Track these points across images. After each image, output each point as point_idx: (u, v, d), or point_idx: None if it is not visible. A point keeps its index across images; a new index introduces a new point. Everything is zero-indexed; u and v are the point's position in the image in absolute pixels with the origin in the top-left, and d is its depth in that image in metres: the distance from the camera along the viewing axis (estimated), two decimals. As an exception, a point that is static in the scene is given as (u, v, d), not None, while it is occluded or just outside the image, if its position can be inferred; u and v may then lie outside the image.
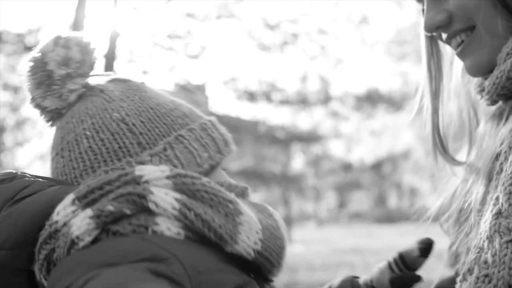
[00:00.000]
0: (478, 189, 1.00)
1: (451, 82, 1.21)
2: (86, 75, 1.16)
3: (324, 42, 13.44)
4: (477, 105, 1.19)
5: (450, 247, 1.15)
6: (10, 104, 15.04)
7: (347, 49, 17.85)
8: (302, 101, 14.94)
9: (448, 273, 1.13)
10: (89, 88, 1.16)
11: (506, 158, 0.91)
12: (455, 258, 1.11)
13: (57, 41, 1.14)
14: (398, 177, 32.57)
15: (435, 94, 1.20)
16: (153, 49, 12.97)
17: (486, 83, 1.04)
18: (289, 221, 25.02)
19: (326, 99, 14.99)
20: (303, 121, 18.31)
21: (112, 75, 1.23)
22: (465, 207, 1.06)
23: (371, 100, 15.32)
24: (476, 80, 1.12)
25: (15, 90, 14.47)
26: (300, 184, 21.37)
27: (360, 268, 12.16)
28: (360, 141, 22.95)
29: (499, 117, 1.08)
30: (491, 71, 1.04)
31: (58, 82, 1.11)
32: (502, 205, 0.86)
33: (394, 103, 14.30)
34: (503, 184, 0.87)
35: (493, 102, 1.06)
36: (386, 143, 24.79)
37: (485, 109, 1.15)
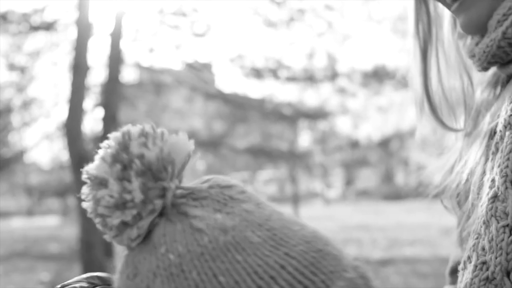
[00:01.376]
0: (475, 169, 0.95)
1: (441, 45, 1.14)
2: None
3: (331, 18, 13.37)
4: (471, 71, 1.13)
5: (458, 225, 1.12)
6: (17, 84, 15.04)
7: (354, 26, 17.76)
8: (309, 78, 14.89)
9: (460, 253, 1.10)
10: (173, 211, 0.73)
11: (501, 138, 0.86)
12: (461, 240, 1.07)
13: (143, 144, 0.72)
14: (405, 154, 32.50)
15: (424, 56, 1.14)
16: (159, 27, 12.93)
17: (476, 50, 0.99)
18: (296, 198, 25.09)
19: (333, 76, 14.93)
20: (310, 98, 18.27)
21: (208, 181, 0.76)
22: (461, 187, 1.02)
23: (378, 76, 15.22)
24: (467, 45, 1.06)
25: (22, 70, 14.47)
26: (307, 162, 21.33)
27: (367, 245, 12.20)
28: (367, 118, 22.88)
29: (494, 85, 1.04)
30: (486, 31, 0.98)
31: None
32: (498, 188, 0.82)
33: (401, 80, 14.22)
34: (499, 166, 0.83)
35: (484, 69, 1.02)
36: (393, 119, 24.71)
37: (481, 76, 1.10)
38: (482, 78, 1.10)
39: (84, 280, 0.84)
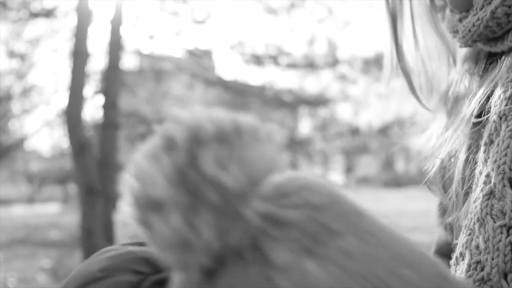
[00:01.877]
0: (459, 155, 0.90)
1: (418, 21, 1.07)
2: None
3: (331, 4, 13.34)
4: (455, 47, 1.05)
5: (440, 207, 1.09)
6: (17, 71, 15.02)
7: (355, 12, 17.71)
8: (310, 65, 14.88)
9: (444, 236, 1.07)
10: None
11: (496, 129, 0.79)
12: (446, 226, 1.04)
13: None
14: (406, 141, 32.54)
15: (394, 27, 1.08)
16: (159, 14, 12.90)
17: (460, 27, 0.92)
18: (297, 185, 25.12)
19: (333, 62, 14.92)
20: (311, 84, 18.25)
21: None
22: (444, 170, 0.97)
23: (379, 63, 15.19)
24: (448, 19, 0.99)
25: (22, 57, 14.44)
26: (307, 148, 21.34)
27: (368, 232, 12.19)
28: (367, 104, 22.89)
29: (475, 61, 0.96)
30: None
31: None
32: (494, 185, 0.77)
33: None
34: (495, 162, 0.77)
35: (467, 46, 0.95)
36: (394, 106, 24.71)
37: (460, 50, 1.03)
38: (460, 52, 1.04)
39: (127, 268, 0.62)
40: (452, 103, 0.99)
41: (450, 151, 0.94)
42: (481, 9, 0.87)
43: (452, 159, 0.93)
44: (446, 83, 1.05)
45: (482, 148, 0.83)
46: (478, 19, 0.87)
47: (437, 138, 1.00)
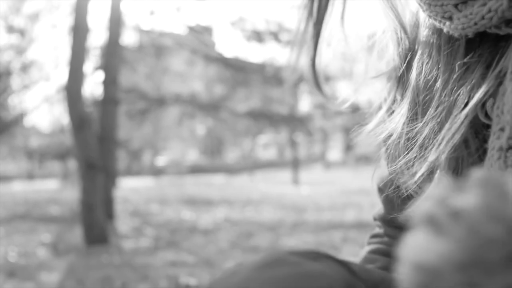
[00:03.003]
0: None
1: None
2: None
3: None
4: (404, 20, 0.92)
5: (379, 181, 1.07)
6: (16, 47, 14.98)
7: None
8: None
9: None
10: None
11: None
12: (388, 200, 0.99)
13: None
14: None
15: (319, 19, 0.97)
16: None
17: (461, 17, 0.77)
18: (296, 163, 25.12)
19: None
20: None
21: None
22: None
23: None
24: (430, 4, 0.83)
25: (21, 32, 14.39)
26: (307, 126, 21.36)
27: (367, 208, 12.24)
28: (368, 82, 22.87)
29: (447, 44, 0.83)
30: None
31: None
32: None
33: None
34: None
35: (463, 35, 0.80)
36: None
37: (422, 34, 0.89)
38: (423, 35, 0.90)
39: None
40: (416, 88, 0.87)
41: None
42: None
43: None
44: (394, 62, 0.95)
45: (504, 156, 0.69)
46: (490, 11, 0.73)
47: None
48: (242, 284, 0.50)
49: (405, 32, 0.93)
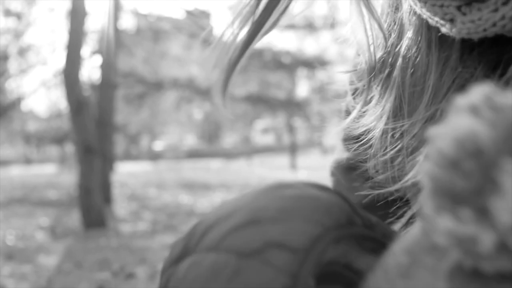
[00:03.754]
0: None
1: None
2: None
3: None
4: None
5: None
6: (13, 30, 14.93)
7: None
8: (309, 26, 14.79)
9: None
10: None
11: None
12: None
13: None
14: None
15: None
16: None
17: (467, 21, 0.69)
18: (294, 148, 25.15)
19: (333, 24, 14.83)
20: (309, 46, 18.18)
21: None
22: None
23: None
24: (429, 3, 0.73)
25: (18, 16, 14.34)
26: (305, 110, 21.34)
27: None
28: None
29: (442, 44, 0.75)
30: None
31: None
32: None
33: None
34: None
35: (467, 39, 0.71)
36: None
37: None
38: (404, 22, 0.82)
39: (308, 216, 0.53)
40: (402, 85, 0.81)
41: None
42: (505, 3, 0.65)
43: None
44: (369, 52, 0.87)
45: None
46: (504, 18, 0.65)
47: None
48: (250, 203, 0.53)
49: (380, 26, 0.85)
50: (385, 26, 0.85)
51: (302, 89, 25.92)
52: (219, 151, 41.63)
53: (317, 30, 15.09)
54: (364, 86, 0.87)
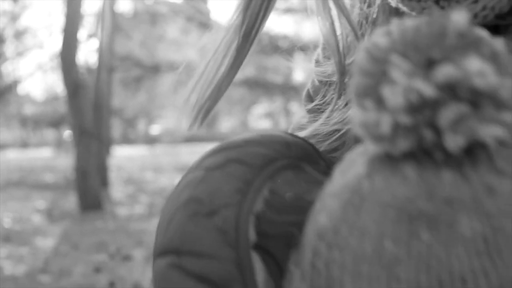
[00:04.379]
0: None
1: None
2: None
3: None
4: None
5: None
6: (10, 13, 14.87)
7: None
8: (306, 10, 14.76)
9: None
10: None
11: None
12: None
13: None
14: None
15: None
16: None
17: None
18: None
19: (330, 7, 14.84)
20: (307, 30, 18.14)
21: None
22: None
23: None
24: None
25: (14, -2, 14.26)
26: (302, 95, 21.36)
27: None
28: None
29: None
30: None
31: None
32: None
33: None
34: None
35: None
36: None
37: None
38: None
39: (268, 145, 0.64)
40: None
41: None
42: None
43: None
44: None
45: None
46: (485, 8, 0.64)
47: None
48: (228, 139, 0.67)
49: (350, 24, 0.80)
50: (356, 23, 0.81)
51: (299, 73, 25.92)
52: (216, 135, 41.63)
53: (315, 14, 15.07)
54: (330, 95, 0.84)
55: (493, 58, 0.42)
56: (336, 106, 0.83)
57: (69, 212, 8.69)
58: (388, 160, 0.47)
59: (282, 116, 29.70)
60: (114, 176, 13.10)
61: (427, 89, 0.40)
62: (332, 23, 0.82)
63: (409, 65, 0.42)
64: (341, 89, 0.81)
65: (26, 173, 15.89)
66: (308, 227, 0.54)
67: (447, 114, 0.41)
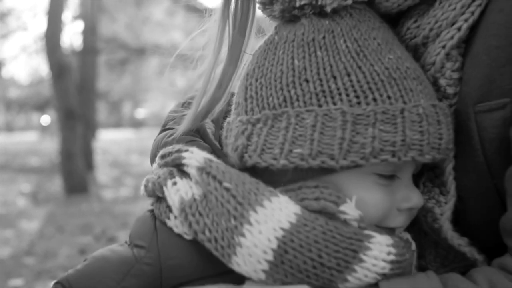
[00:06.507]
0: None
1: None
2: None
3: None
4: None
5: None
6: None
7: None
8: None
9: None
10: None
11: None
12: None
13: None
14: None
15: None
16: None
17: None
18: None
19: None
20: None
21: None
22: None
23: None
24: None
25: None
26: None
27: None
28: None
29: None
30: None
31: None
32: None
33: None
34: None
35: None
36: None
37: None
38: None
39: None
40: None
41: None
42: None
43: None
44: None
45: None
46: None
47: None
48: None
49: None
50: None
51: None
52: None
53: None
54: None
55: None
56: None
57: (54, 195, 8.66)
58: (289, 22, 0.89)
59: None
60: (99, 159, 13.06)
61: None
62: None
63: None
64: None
65: (11, 157, 15.81)
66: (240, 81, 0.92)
67: None
